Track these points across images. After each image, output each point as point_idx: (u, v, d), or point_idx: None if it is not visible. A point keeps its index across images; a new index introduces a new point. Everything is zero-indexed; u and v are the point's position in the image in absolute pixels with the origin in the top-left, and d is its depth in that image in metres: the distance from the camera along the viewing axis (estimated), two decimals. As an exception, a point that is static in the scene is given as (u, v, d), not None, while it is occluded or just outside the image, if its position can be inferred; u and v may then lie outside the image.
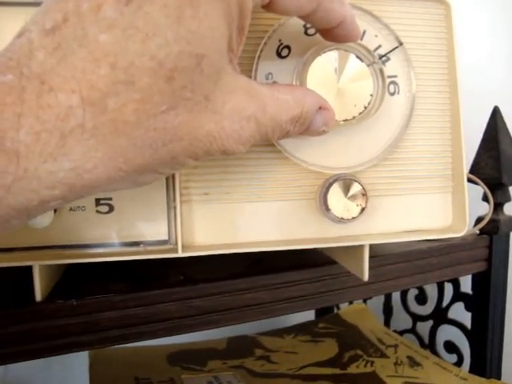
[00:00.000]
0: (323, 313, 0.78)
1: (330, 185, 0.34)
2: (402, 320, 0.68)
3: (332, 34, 0.32)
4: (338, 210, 0.34)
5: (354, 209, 0.35)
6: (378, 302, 0.72)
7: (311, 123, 0.31)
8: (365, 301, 0.74)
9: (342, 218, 0.35)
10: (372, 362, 0.59)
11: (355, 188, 0.35)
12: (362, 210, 0.35)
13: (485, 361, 0.56)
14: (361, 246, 0.38)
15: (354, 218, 0.35)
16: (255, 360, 0.60)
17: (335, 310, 0.78)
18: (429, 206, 0.39)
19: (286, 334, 0.68)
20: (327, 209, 0.34)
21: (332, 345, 0.64)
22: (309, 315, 0.80)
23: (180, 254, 0.33)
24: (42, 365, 0.71)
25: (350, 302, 0.76)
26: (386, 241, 0.38)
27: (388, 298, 0.70)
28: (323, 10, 0.29)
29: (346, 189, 0.35)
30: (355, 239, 0.37)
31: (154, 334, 0.37)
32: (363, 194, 0.35)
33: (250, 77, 0.34)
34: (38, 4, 0.32)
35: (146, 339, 0.37)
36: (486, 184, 0.52)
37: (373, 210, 0.37)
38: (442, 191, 0.39)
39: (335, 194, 0.34)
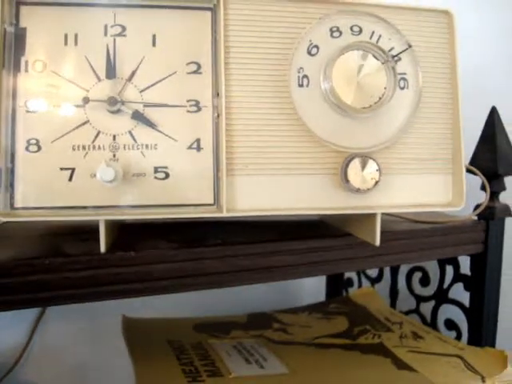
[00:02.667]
0: (333, 295, 0.85)
1: (350, 160, 0.41)
2: (406, 302, 0.74)
3: None
4: (356, 181, 0.41)
5: (369, 182, 0.42)
6: (385, 286, 0.78)
7: None
8: (372, 284, 0.80)
9: (358, 189, 0.41)
10: (379, 335, 0.65)
11: (371, 164, 0.42)
12: (376, 183, 0.42)
13: (481, 335, 0.62)
14: (374, 216, 0.45)
15: (368, 189, 0.42)
16: (273, 331, 0.67)
17: (344, 294, 0.84)
18: (432, 184, 0.46)
19: (301, 311, 0.74)
20: (347, 180, 0.41)
21: (343, 321, 0.70)
22: (320, 297, 0.86)
23: (224, 214, 0.40)
24: (74, 333, 0.77)
25: (360, 285, 0.83)
26: (395, 211, 0.45)
27: (394, 281, 0.76)
28: None
29: (363, 164, 0.42)
30: (370, 209, 0.44)
31: (199, 287, 0.43)
32: (377, 170, 0.42)
33: (285, 70, 0.42)
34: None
35: (192, 290, 0.43)
36: (483, 174, 0.58)
37: (384, 186, 0.44)
38: (443, 172, 0.46)
39: (354, 169, 0.41)
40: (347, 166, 0.41)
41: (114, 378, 0.78)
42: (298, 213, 0.42)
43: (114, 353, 0.68)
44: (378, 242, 0.45)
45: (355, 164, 0.41)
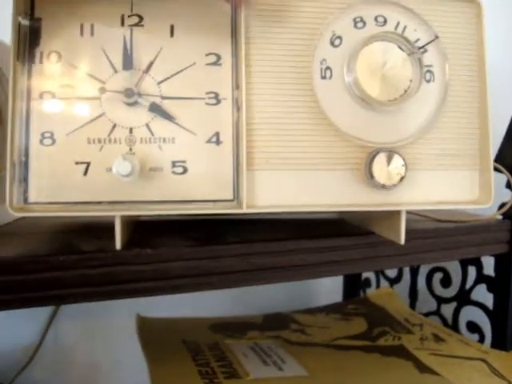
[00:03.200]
0: (351, 296, 0.83)
1: (375, 155, 0.40)
2: (426, 303, 0.72)
3: None
4: (381, 177, 0.40)
5: (394, 177, 0.40)
6: (404, 286, 0.76)
7: None
8: (391, 285, 0.79)
9: (384, 185, 0.40)
10: (399, 337, 0.64)
11: (396, 159, 0.40)
12: (402, 178, 0.40)
13: (505, 339, 0.60)
14: (398, 213, 0.43)
15: (394, 185, 0.40)
16: (291, 332, 0.65)
17: (362, 295, 0.82)
18: (458, 181, 0.44)
19: (318, 312, 0.73)
20: (371, 176, 0.40)
21: (361, 322, 0.69)
22: (337, 298, 0.84)
23: (244, 211, 0.39)
24: (87, 333, 0.76)
25: (377, 286, 0.81)
26: (420, 208, 0.43)
27: (414, 282, 0.74)
28: None
29: (389, 159, 0.40)
30: (394, 205, 0.42)
31: (216, 285, 0.42)
32: (403, 165, 0.40)
33: (307, 62, 0.40)
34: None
35: (209, 289, 0.42)
36: (509, 172, 0.56)
37: (409, 183, 0.42)
38: (470, 168, 0.44)
39: (379, 164, 0.40)
40: (372, 161, 0.40)
41: (126, 378, 0.78)
42: (321, 209, 0.41)
43: (128, 352, 0.67)
44: (402, 241, 0.43)
45: (380, 159, 0.40)
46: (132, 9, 0.39)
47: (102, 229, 0.44)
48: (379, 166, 0.40)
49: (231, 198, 0.40)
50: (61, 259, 0.37)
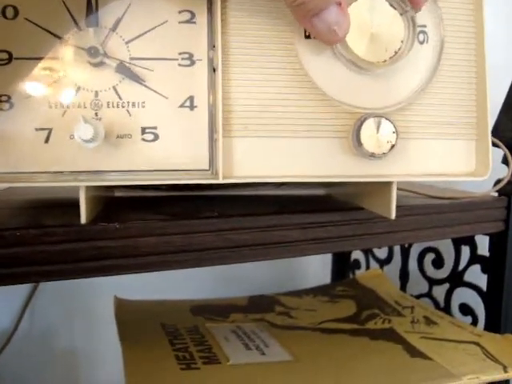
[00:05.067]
0: (339, 278, 0.80)
1: (363, 121, 0.36)
2: (417, 285, 0.70)
3: None
4: (370, 145, 0.36)
5: (384, 145, 0.37)
6: (394, 267, 0.73)
7: (325, 11, 0.32)
8: (381, 266, 0.76)
9: (373, 153, 0.37)
10: (389, 320, 0.61)
11: (386, 125, 0.37)
12: (392, 146, 0.37)
13: (499, 321, 0.57)
14: (388, 185, 0.40)
15: (384, 153, 0.37)
16: (276, 315, 0.62)
17: (351, 276, 0.79)
18: (453, 151, 0.41)
19: (305, 294, 0.70)
20: (359, 144, 0.36)
21: (350, 305, 0.66)
22: (325, 280, 0.82)
23: (220, 181, 0.35)
24: (64, 316, 0.73)
25: (367, 267, 0.78)
26: (412, 179, 0.40)
27: (405, 263, 0.71)
28: None
29: (378, 126, 0.37)
30: (384, 177, 0.39)
31: (190, 263, 0.39)
32: (393, 132, 0.37)
33: (290, 19, 0.37)
34: None
35: (182, 267, 0.39)
36: (506, 146, 0.53)
37: (400, 152, 0.39)
38: (466, 138, 0.41)
39: (367, 130, 0.36)
40: (360, 127, 0.36)
41: (107, 363, 0.75)
42: (304, 180, 0.38)
43: (109, 336, 0.65)
44: (393, 215, 0.40)
45: (369, 125, 0.36)
46: (98, -42, 0.36)
47: (70, 204, 0.40)
48: (368, 133, 0.36)
49: (206, 167, 0.36)
50: (18, 234, 0.34)
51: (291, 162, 0.37)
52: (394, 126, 0.37)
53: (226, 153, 0.36)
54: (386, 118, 0.37)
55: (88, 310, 0.75)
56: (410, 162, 0.39)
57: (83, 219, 0.36)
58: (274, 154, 0.37)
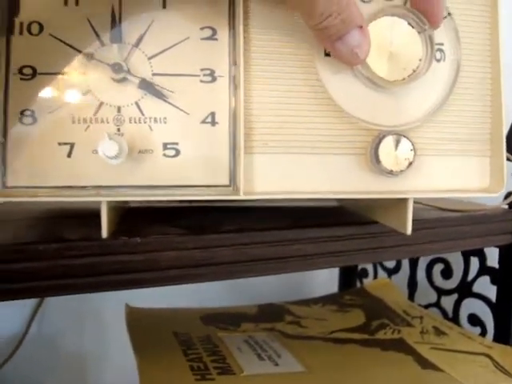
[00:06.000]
0: (347, 286, 0.81)
1: (382, 139, 0.37)
2: (425, 295, 0.70)
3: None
4: (388, 162, 0.37)
5: (402, 163, 0.37)
6: (402, 277, 0.74)
7: (348, 35, 0.33)
8: (389, 275, 0.76)
9: (391, 171, 0.37)
10: (399, 330, 0.61)
11: (405, 143, 0.37)
12: (410, 164, 0.37)
13: (508, 332, 0.58)
14: (404, 201, 0.40)
15: (402, 171, 0.37)
16: (286, 324, 0.63)
17: (358, 285, 0.80)
18: (468, 167, 0.41)
19: (314, 303, 0.70)
20: (378, 161, 0.37)
21: (359, 314, 0.66)
22: (332, 288, 0.82)
23: (241, 197, 0.36)
24: (74, 321, 0.74)
25: (375, 277, 0.79)
26: (428, 196, 0.40)
27: (413, 273, 0.72)
28: None
29: (396, 143, 0.37)
30: (401, 193, 0.39)
31: (209, 277, 0.39)
32: (411, 150, 0.37)
33: (310, 37, 0.37)
34: None
35: (201, 281, 0.39)
36: (517, 160, 0.54)
37: (416, 169, 0.39)
38: (480, 154, 0.41)
39: (386, 148, 0.37)
40: (379, 144, 0.37)
41: (115, 368, 0.75)
42: (323, 196, 0.38)
43: (117, 342, 0.65)
44: (409, 231, 0.41)
45: (388, 143, 0.37)
46: (121, -24, 0.36)
47: (89, 215, 0.40)
48: (386, 151, 0.37)
49: (227, 183, 0.37)
50: (40, 248, 0.34)
51: (310, 177, 0.38)
52: (412, 144, 0.37)
53: (246, 169, 0.36)
54: (404, 136, 0.37)
55: (97, 314, 0.75)
56: (425, 178, 0.40)
57: (104, 233, 0.36)
58: (293, 169, 0.37)
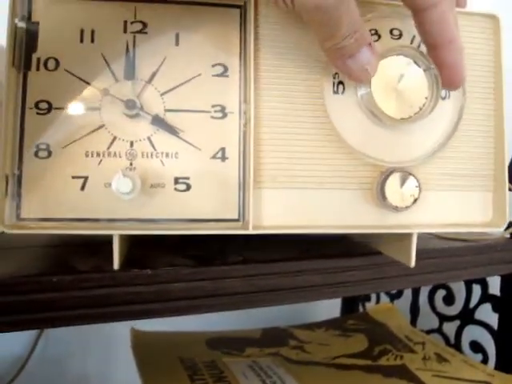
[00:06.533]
0: (349, 310, 0.81)
1: (388, 176, 0.38)
2: (428, 320, 0.71)
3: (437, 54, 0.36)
4: (394, 199, 0.38)
5: (407, 199, 0.38)
6: (405, 302, 0.74)
7: (359, 53, 0.34)
8: (392, 300, 0.77)
9: (396, 207, 0.38)
10: (401, 356, 0.62)
11: (410, 180, 0.38)
12: (415, 200, 0.38)
13: (510, 360, 0.58)
14: (409, 235, 0.41)
15: (407, 207, 0.38)
16: (290, 349, 0.63)
17: (361, 310, 0.80)
18: (471, 202, 0.42)
19: (317, 327, 0.71)
20: (384, 198, 0.38)
21: (362, 339, 0.67)
22: (335, 311, 0.83)
23: (250, 231, 0.37)
24: (79, 341, 0.74)
25: (377, 301, 0.79)
26: (432, 230, 0.41)
27: (415, 298, 0.72)
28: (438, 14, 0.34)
29: (402, 181, 0.38)
30: (405, 228, 0.40)
31: (218, 307, 0.40)
32: (416, 186, 0.38)
33: (319, 75, 0.38)
34: None
35: (210, 311, 0.40)
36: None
37: (421, 204, 0.40)
38: (483, 189, 0.42)
39: (392, 185, 0.38)
40: (385, 181, 0.38)
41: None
42: (330, 231, 0.39)
43: (121, 364, 0.65)
44: (413, 264, 0.41)
45: (394, 180, 0.38)
46: (135, 15, 0.37)
47: (99, 244, 0.41)
48: (392, 187, 0.38)
49: (236, 217, 0.38)
50: (54, 280, 0.35)
51: (317, 212, 0.39)
52: (418, 181, 0.38)
53: (255, 203, 0.37)
54: (410, 173, 0.38)
55: (102, 335, 0.76)
56: (429, 213, 0.41)
57: (116, 265, 0.37)
58: (300, 204, 0.38)
